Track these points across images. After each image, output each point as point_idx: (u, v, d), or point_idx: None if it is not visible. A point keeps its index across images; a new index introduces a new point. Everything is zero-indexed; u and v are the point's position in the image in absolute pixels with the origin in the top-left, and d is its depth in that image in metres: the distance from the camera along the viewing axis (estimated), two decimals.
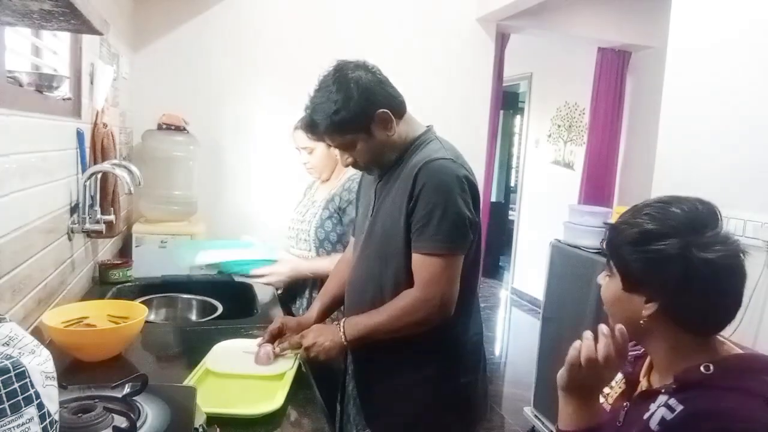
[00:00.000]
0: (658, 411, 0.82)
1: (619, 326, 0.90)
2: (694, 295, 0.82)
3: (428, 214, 1.22)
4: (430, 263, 1.23)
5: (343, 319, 1.33)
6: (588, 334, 0.90)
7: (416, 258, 1.25)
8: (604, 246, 0.93)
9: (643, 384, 0.94)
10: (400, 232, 1.27)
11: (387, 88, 1.32)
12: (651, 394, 0.88)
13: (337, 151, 2.00)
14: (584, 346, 0.89)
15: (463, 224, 1.23)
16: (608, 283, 0.93)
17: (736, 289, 0.83)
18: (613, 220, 2.55)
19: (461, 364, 1.35)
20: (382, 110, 1.28)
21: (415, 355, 1.31)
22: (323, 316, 1.52)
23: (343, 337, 1.29)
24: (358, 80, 1.26)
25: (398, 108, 1.33)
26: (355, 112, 1.26)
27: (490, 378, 1.52)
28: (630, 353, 1.00)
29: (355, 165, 1.38)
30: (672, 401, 0.81)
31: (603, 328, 0.89)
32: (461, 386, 1.34)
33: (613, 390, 1.00)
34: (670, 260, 0.81)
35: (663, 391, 0.85)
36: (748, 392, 0.79)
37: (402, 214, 1.26)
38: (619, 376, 1.00)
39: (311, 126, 1.32)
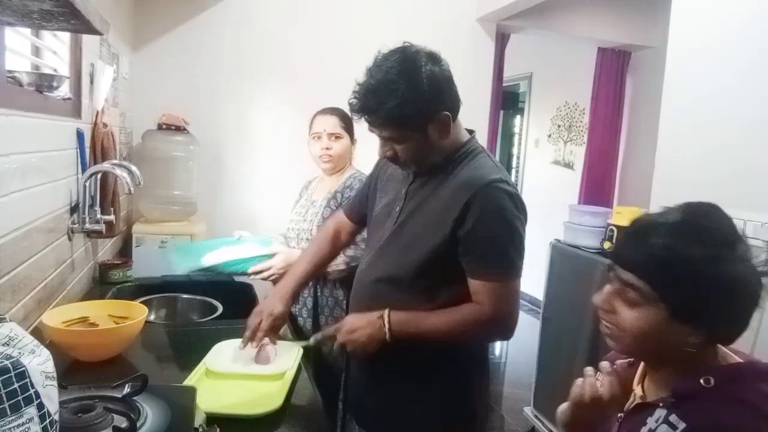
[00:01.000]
0: (659, 428, 0.80)
1: (620, 362, 0.89)
2: (739, 315, 0.79)
3: (492, 240, 1.19)
4: (499, 288, 1.20)
5: (387, 312, 1.23)
6: (589, 371, 0.87)
7: (480, 283, 1.20)
8: (641, 272, 0.82)
9: (637, 392, 0.92)
10: (438, 247, 1.21)
11: (454, 87, 1.23)
12: (647, 407, 0.86)
13: (354, 147, 2.02)
14: (587, 383, 0.86)
15: (521, 251, 1.22)
16: (636, 311, 0.83)
17: (762, 302, 0.81)
18: (613, 220, 2.56)
19: (468, 372, 1.32)
20: (445, 113, 1.20)
21: (422, 362, 1.27)
22: (299, 289, 1.52)
23: (387, 334, 1.22)
24: (431, 76, 1.17)
25: (457, 111, 1.26)
26: (420, 110, 1.17)
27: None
28: (620, 360, 0.97)
29: (392, 158, 1.28)
30: (673, 417, 0.79)
31: (605, 366, 0.86)
32: (467, 394, 1.31)
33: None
34: (726, 285, 0.77)
35: (661, 404, 0.83)
36: (749, 405, 0.77)
37: (447, 231, 1.20)
38: None
39: (367, 109, 1.19)
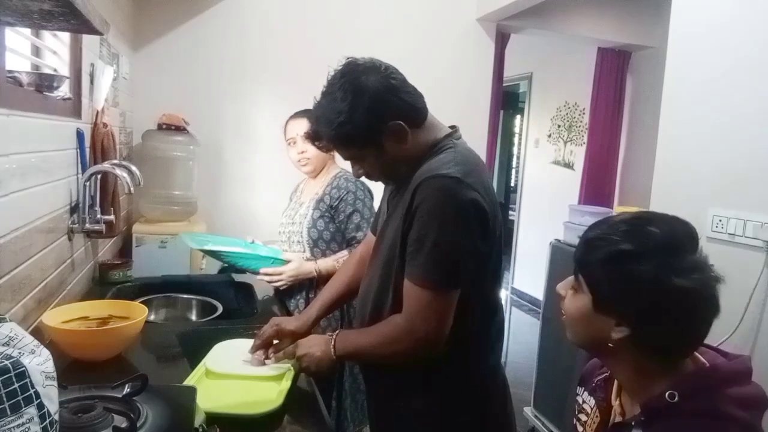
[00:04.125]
0: None
1: (597, 379, 0.92)
2: (665, 323, 0.79)
3: (420, 240, 1.08)
4: (417, 294, 1.09)
5: (337, 332, 1.26)
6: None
7: (405, 284, 1.12)
8: (576, 261, 0.88)
9: (615, 408, 0.92)
10: (398, 253, 1.15)
11: (401, 94, 1.15)
12: (623, 426, 0.87)
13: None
14: None
15: (455, 257, 1.09)
16: (573, 298, 0.89)
17: (708, 320, 0.80)
18: None
19: (468, 395, 1.21)
20: (394, 122, 1.13)
21: (420, 381, 1.19)
22: (322, 315, 1.47)
23: (333, 351, 1.21)
24: (366, 88, 1.11)
25: (415, 117, 1.17)
26: (362, 126, 1.11)
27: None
28: (597, 377, 0.98)
29: (368, 177, 1.25)
30: None
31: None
32: (472, 419, 1.21)
33: (590, 418, 0.98)
34: (645, 284, 0.77)
35: (633, 423, 0.83)
36: (714, 415, 0.77)
37: (399, 233, 1.14)
38: (593, 402, 0.98)
39: (314, 136, 1.20)
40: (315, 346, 1.25)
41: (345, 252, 1.90)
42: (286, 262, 1.89)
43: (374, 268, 1.27)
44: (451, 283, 1.10)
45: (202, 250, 1.94)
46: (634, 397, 0.87)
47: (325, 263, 1.90)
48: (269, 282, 1.90)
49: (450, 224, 1.07)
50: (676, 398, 0.79)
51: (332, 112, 1.12)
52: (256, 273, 1.91)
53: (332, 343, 1.22)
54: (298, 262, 1.90)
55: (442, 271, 1.08)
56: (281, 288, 1.94)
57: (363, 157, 1.19)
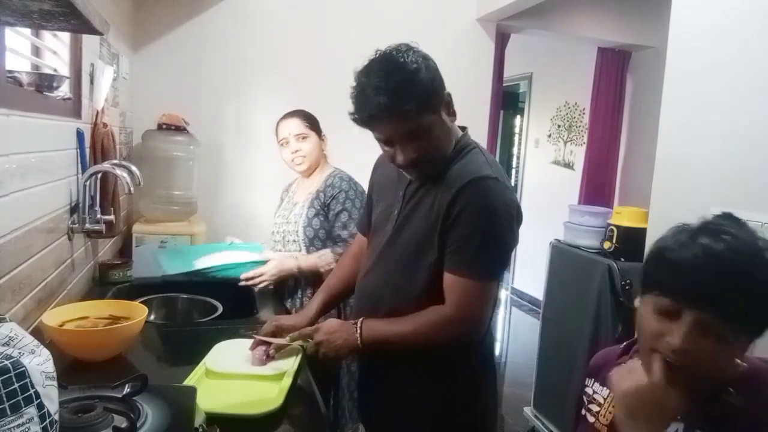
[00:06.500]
0: None
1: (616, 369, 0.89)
2: None
3: (470, 236, 1.15)
4: (466, 285, 1.16)
5: (361, 320, 1.26)
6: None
7: (451, 278, 1.18)
8: (730, 305, 0.75)
9: None
10: (433, 247, 1.19)
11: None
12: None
13: (325, 144, 2.01)
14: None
15: (504, 252, 1.20)
16: (725, 347, 0.77)
17: None
18: (613, 220, 2.56)
19: (471, 379, 1.28)
20: (448, 92, 1.22)
21: (423, 369, 1.24)
22: (322, 312, 1.48)
23: (359, 339, 1.23)
24: (427, 57, 1.19)
25: None
26: (437, 82, 1.18)
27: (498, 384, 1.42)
28: (617, 368, 0.96)
29: (414, 161, 1.19)
30: None
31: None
32: (468, 403, 1.27)
33: (603, 408, 0.97)
34: None
35: (680, 418, 0.81)
36: None
37: (437, 228, 1.18)
38: (606, 392, 0.98)
39: (398, 106, 1.11)
40: (336, 332, 1.26)
41: (327, 250, 1.90)
42: (265, 262, 1.89)
43: (390, 259, 1.28)
44: (497, 274, 1.21)
45: (182, 274, 1.89)
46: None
47: (306, 259, 1.90)
48: (252, 285, 1.90)
49: (498, 221, 1.16)
50: (733, 394, 0.79)
51: (407, 73, 1.13)
52: (238, 280, 1.90)
53: (358, 331, 1.23)
54: (278, 260, 1.90)
55: (490, 264, 1.18)
56: (267, 288, 1.93)
57: (429, 129, 1.16)
